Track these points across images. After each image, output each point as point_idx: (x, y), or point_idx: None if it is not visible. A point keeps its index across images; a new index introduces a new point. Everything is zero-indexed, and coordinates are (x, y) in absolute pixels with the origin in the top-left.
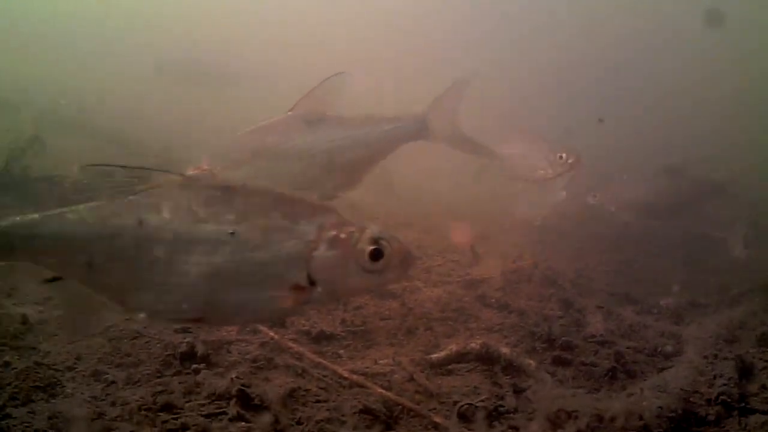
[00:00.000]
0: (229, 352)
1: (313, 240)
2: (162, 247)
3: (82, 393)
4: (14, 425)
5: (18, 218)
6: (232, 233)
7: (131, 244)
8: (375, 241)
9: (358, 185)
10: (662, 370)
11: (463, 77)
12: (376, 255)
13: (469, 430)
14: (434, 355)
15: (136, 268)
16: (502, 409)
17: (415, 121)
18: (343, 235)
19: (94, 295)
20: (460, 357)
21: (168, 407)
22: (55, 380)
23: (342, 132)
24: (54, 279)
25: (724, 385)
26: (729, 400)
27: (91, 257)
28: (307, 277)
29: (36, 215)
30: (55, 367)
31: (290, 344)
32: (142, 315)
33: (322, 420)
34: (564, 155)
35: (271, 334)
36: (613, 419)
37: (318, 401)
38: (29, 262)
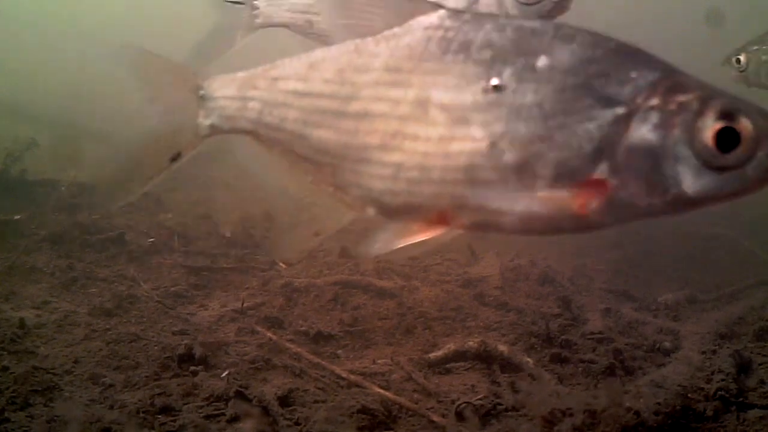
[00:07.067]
0: (227, 353)
1: (626, 109)
2: (386, 111)
3: (80, 396)
4: (13, 429)
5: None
6: (496, 87)
7: (342, 105)
8: (727, 115)
9: None
10: (661, 366)
11: None
12: (727, 140)
13: (467, 428)
14: (432, 354)
15: (351, 141)
16: (500, 407)
17: None
18: (672, 105)
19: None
20: (459, 356)
21: (166, 409)
22: (54, 384)
23: None
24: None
25: (723, 380)
26: (727, 395)
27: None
28: (608, 169)
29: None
30: (53, 371)
31: (288, 345)
32: (370, 211)
33: (320, 420)
34: None
35: (269, 334)
36: (609, 416)
37: (316, 401)
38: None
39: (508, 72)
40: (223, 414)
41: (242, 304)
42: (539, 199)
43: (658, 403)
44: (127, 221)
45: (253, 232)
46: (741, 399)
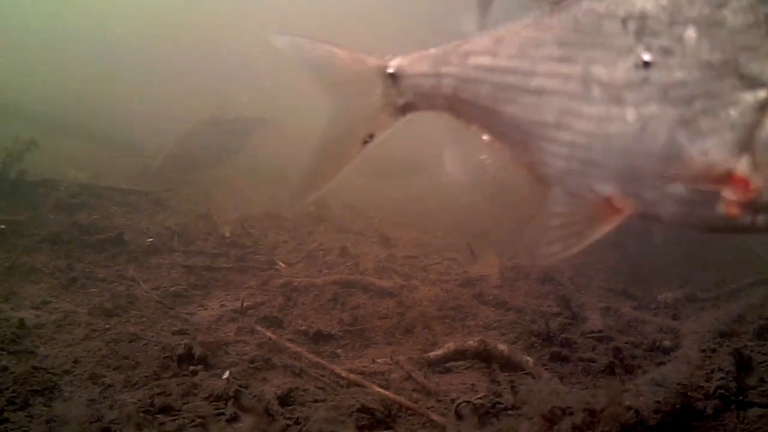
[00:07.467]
0: (227, 353)
1: (764, 95)
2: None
3: (80, 396)
4: (12, 429)
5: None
6: (646, 63)
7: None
8: None
9: None
10: (660, 364)
11: None
12: None
13: (466, 427)
14: (432, 353)
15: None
16: (499, 406)
17: None
18: None
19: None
20: (458, 355)
21: (166, 409)
22: (53, 384)
23: None
24: None
25: (722, 378)
26: (727, 393)
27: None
28: (749, 165)
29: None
30: (52, 371)
31: (288, 344)
32: (557, 190)
33: (320, 419)
34: None
35: (269, 334)
36: (609, 414)
37: (316, 401)
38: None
39: (656, 46)
40: (223, 414)
41: (242, 304)
42: (686, 193)
43: (658, 402)
44: (127, 221)
45: (252, 232)
46: (741, 397)
